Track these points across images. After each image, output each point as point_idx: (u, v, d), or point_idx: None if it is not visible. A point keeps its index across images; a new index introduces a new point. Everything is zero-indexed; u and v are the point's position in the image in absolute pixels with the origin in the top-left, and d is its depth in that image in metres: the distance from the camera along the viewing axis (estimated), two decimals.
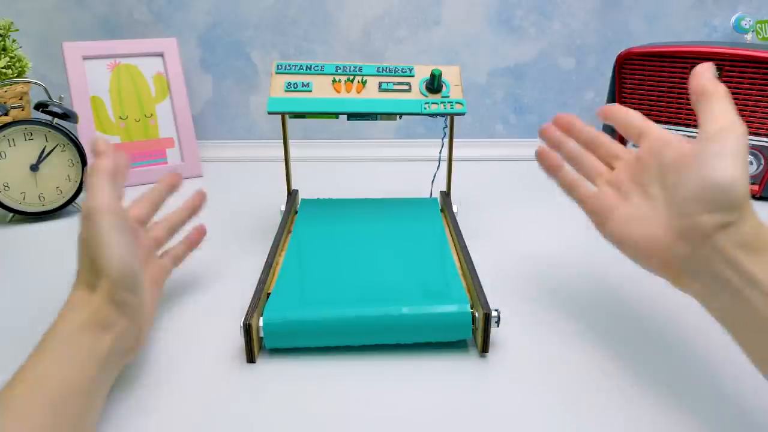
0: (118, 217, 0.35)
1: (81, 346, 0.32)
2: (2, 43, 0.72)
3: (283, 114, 0.55)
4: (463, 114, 0.55)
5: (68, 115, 0.65)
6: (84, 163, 0.67)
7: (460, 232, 0.53)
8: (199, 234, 0.50)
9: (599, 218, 0.39)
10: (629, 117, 0.39)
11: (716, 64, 0.70)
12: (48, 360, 0.31)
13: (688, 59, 0.72)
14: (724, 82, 0.71)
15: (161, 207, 0.46)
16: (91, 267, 0.34)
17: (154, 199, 0.46)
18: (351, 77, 0.56)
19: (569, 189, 0.42)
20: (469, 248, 0.49)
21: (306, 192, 0.67)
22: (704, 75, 0.34)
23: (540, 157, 0.45)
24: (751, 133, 0.71)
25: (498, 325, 0.40)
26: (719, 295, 0.31)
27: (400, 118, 0.56)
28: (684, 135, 0.75)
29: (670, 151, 0.35)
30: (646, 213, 0.35)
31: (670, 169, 0.34)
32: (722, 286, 0.31)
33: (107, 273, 0.33)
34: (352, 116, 0.55)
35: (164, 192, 0.47)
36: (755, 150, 0.71)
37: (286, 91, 0.54)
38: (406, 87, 0.56)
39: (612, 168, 0.40)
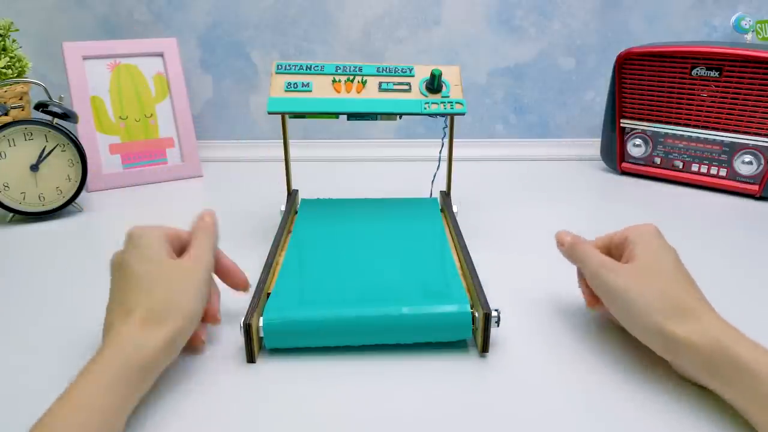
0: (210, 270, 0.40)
1: (112, 365, 0.32)
2: (2, 43, 0.72)
3: (283, 114, 0.55)
4: (463, 114, 0.55)
5: (68, 115, 0.65)
6: (84, 163, 0.66)
7: (460, 232, 0.53)
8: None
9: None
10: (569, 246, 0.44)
11: (716, 64, 0.70)
12: (95, 391, 0.31)
13: (688, 59, 0.72)
14: (725, 82, 0.71)
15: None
16: (160, 307, 0.35)
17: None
18: (351, 77, 0.56)
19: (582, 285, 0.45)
20: (469, 248, 0.49)
21: (306, 192, 0.67)
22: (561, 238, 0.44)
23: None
24: (751, 133, 0.71)
25: (498, 325, 0.40)
26: (724, 395, 0.34)
27: (400, 118, 0.56)
28: (684, 135, 0.76)
29: (606, 303, 0.40)
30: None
31: (615, 317, 0.40)
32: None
33: (183, 315, 0.36)
34: (352, 116, 0.55)
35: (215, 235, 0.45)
36: (755, 150, 0.71)
37: (286, 91, 0.54)
38: (406, 87, 0.56)
39: None
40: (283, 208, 0.60)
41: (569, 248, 0.43)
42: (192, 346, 0.40)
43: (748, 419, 0.32)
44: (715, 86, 0.72)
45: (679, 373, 0.37)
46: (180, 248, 0.41)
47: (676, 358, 0.35)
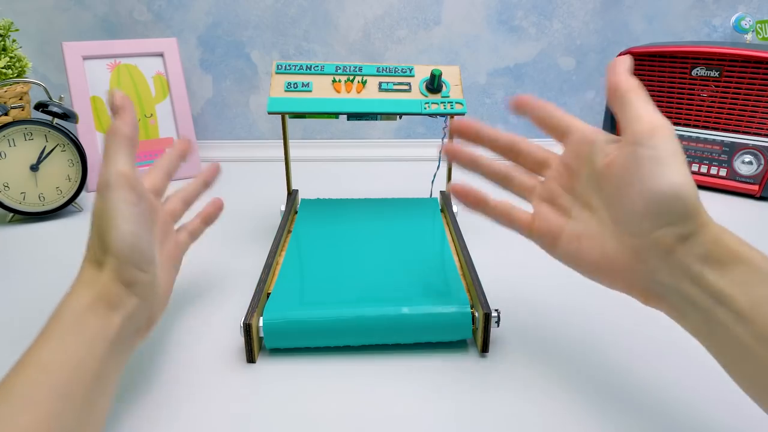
0: (134, 188, 0.32)
1: (88, 326, 0.29)
2: (2, 43, 0.72)
3: (283, 114, 0.55)
4: (463, 114, 0.55)
5: (68, 115, 0.65)
6: (84, 163, 0.66)
7: (460, 232, 0.53)
8: (216, 208, 0.46)
9: (546, 242, 0.35)
10: (547, 110, 0.35)
11: (716, 64, 0.70)
12: (53, 342, 0.28)
13: (688, 59, 0.72)
14: (725, 82, 0.71)
15: (173, 176, 0.42)
16: (99, 242, 0.31)
17: (166, 168, 0.41)
18: (351, 77, 0.56)
19: (502, 219, 0.37)
20: (469, 248, 0.49)
21: (306, 192, 0.67)
22: (618, 70, 0.31)
23: (458, 195, 0.38)
24: (751, 133, 0.71)
25: (498, 325, 0.40)
26: (689, 315, 0.29)
27: (400, 118, 0.56)
28: (684, 135, 0.76)
29: (598, 157, 0.31)
30: (594, 230, 0.32)
31: (604, 179, 0.31)
32: (690, 306, 0.28)
33: (114, 249, 0.31)
34: (352, 116, 0.55)
35: (176, 159, 0.42)
36: (755, 150, 0.71)
37: (286, 91, 0.54)
38: (406, 87, 0.56)
39: (541, 177, 0.36)
40: (283, 208, 0.60)
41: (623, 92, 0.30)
42: (177, 257, 0.40)
43: (714, 347, 0.28)
44: (715, 86, 0.72)
45: (646, 296, 0.31)
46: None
47: (662, 264, 0.28)
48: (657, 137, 0.28)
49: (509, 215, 0.37)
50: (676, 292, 0.29)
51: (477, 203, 0.38)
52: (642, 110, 0.29)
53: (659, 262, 0.28)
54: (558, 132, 0.34)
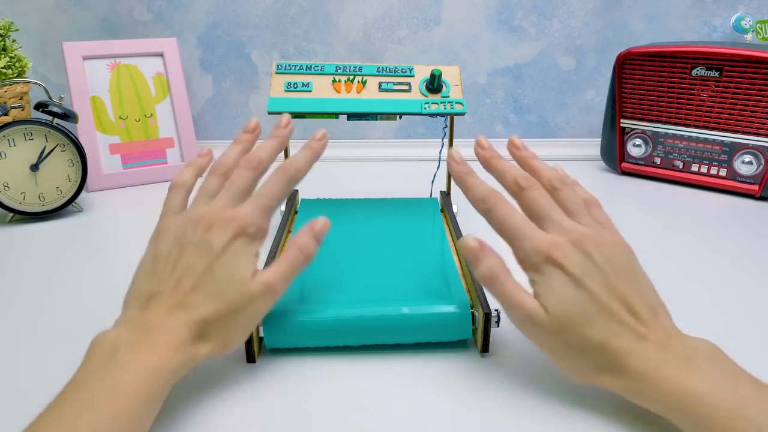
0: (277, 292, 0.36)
1: (171, 370, 0.31)
2: (2, 43, 0.72)
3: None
4: (463, 114, 0.55)
5: (68, 115, 0.65)
6: (84, 163, 0.66)
7: (460, 232, 0.53)
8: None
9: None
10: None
11: (716, 64, 0.70)
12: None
13: (688, 59, 0.72)
14: (725, 82, 0.71)
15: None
16: (221, 327, 0.34)
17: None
18: (351, 77, 0.56)
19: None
20: None
21: (306, 192, 0.67)
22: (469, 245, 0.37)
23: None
24: (751, 133, 0.71)
25: (498, 325, 0.40)
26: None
27: (400, 118, 0.56)
28: (684, 135, 0.76)
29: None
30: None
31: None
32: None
33: (232, 348, 0.35)
34: (352, 116, 0.55)
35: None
36: (755, 150, 0.71)
37: (286, 91, 0.54)
38: (406, 87, 0.56)
39: None
40: (283, 208, 0.60)
41: (482, 276, 0.36)
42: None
43: None
44: (715, 86, 0.72)
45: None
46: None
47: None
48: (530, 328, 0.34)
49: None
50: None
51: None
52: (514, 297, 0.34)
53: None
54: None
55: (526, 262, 0.35)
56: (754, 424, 0.27)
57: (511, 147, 0.41)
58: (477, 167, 0.41)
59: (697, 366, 0.30)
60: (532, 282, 0.35)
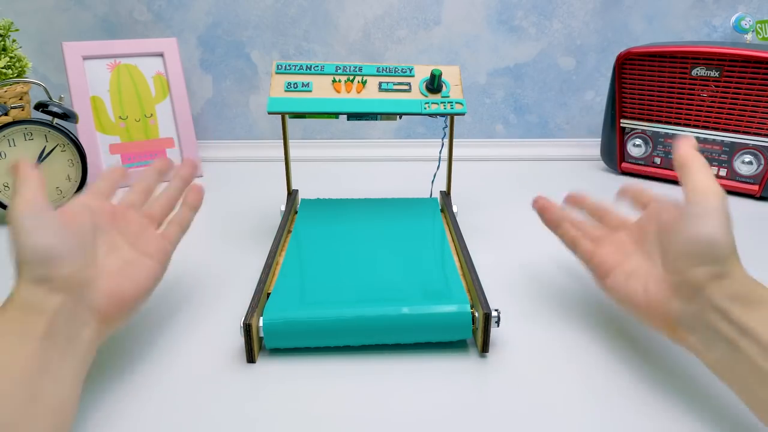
0: (34, 207, 0.34)
1: (7, 332, 0.31)
2: (2, 43, 0.72)
3: (283, 114, 0.55)
4: (463, 114, 0.55)
5: (68, 115, 0.65)
6: (84, 163, 0.66)
7: (460, 232, 0.53)
8: (196, 194, 0.48)
9: (600, 273, 0.41)
10: (641, 190, 0.43)
11: (716, 64, 0.70)
12: None
13: (688, 59, 0.72)
14: (725, 82, 0.71)
15: (153, 192, 0.46)
16: (15, 265, 0.33)
17: (142, 187, 0.45)
18: (351, 77, 0.56)
19: (571, 244, 0.45)
20: (469, 248, 0.49)
21: (306, 192, 0.67)
22: (685, 147, 0.38)
23: (540, 209, 0.48)
24: (751, 133, 0.71)
25: (498, 325, 0.40)
26: (714, 347, 0.33)
27: (400, 118, 0.56)
28: (684, 135, 0.75)
29: (665, 214, 0.38)
30: (644, 270, 0.38)
31: (664, 231, 0.37)
32: (717, 338, 0.32)
33: (21, 257, 0.32)
34: (352, 116, 0.55)
35: (153, 178, 0.46)
36: (755, 150, 0.71)
37: (286, 91, 0.54)
38: (406, 87, 0.56)
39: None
40: (283, 208, 0.60)
41: (685, 159, 0.38)
42: (160, 254, 0.41)
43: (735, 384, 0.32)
44: (715, 86, 0.72)
45: (675, 330, 0.35)
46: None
47: (694, 299, 0.34)
48: (706, 200, 0.34)
49: (575, 242, 0.44)
50: (704, 325, 0.33)
51: (552, 222, 0.47)
52: (700, 180, 0.36)
53: (692, 297, 0.34)
54: (642, 205, 0.42)
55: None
56: None
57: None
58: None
59: None
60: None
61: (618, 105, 0.80)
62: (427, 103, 0.55)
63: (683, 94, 0.75)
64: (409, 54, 0.91)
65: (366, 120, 0.56)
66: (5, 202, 0.64)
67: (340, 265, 0.47)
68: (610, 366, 0.39)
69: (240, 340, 0.42)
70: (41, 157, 0.64)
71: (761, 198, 0.73)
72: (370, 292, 0.43)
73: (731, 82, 0.70)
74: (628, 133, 0.81)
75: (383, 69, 0.56)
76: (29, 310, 0.32)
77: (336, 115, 0.54)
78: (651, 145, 0.80)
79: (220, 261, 0.55)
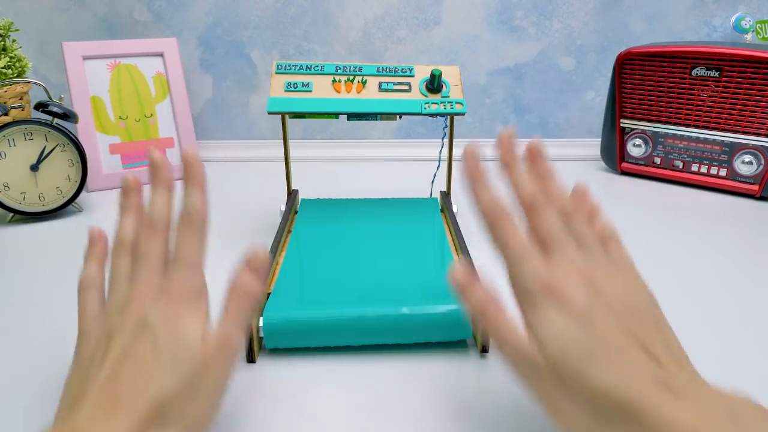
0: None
1: None
2: (2, 43, 0.72)
3: (283, 114, 0.55)
4: (463, 114, 0.55)
5: (68, 115, 0.65)
6: (84, 163, 0.66)
7: (460, 232, 0.53)
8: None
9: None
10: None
11: (716, 64, 0.70)
12: None
13: (688, 59, 0.72)
14: (725, 82, 0.71)
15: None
16: (180, 407, 0.27)
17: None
18: (351, 77, 0.56)
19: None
20: (469, 248, 0.49)
21: (306, 192, 0.67)
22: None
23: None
24: (751, 133, 0.71)
25: None
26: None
27: (400, 118, 0.56)
28: (684, 135, 0.76)
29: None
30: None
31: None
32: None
33: (206, 424, 0.28)
34: (352, 116, 0.55)
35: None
36: (755, 150, 0.71)
37: (286, 91, 0.54)
38: (406, 87, 0.56)
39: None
40: (283, 208, 0.60)
41: (471, 310, 0.31)
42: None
43: None
44: (715, 86, 0.72)
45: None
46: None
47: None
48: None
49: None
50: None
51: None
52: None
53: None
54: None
55: (521, 290, 0.29)
56: None
57: (530, 154, 0.36)
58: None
59: (745, 426, 0.24)
60: (525, 313, 0.29)
61: (618, 105, 0.80)
62: (427, 103, 0.55)
63: (683, 94, 0.75)
64: (409, 54, 0.91)
65: (366, 120, 0.56)
66: (5, 202, 0.64)
67: (340, 265, 0.47)
68: None
69: None
70: (41, 157, 0.64)
71: (761, 198, 0.73)
72: (370, 292, 0.43)
73: (731, 82, 0.70)
74: (628, 133, 0.81)
75: (383, 69, 0.56)
76: None
77: (336, 115, 0.54)
78: (651, 145, 0.80)
79: (220, 261, 0.55)
